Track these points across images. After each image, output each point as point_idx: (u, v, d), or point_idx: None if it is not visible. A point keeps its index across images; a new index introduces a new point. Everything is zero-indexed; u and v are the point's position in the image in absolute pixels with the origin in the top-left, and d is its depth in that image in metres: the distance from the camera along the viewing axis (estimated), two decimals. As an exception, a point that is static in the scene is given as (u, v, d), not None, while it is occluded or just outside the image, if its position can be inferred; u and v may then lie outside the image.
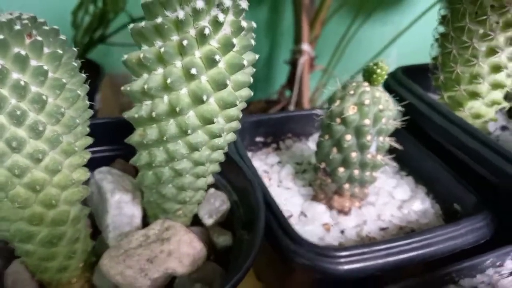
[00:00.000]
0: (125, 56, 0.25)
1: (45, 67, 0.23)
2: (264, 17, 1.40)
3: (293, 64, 1.22)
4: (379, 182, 0.43)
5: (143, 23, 0.24)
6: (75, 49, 0.26)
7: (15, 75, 0.22)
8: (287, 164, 0.44)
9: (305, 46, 1.19)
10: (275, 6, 1.40)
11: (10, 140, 0.23)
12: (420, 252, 0.31)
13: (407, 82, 0.45)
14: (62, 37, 0.25)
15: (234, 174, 0.37)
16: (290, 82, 1.30)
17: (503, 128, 0.47)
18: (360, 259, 0.29)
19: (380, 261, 0.30)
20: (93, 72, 0.73)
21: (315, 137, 0.49)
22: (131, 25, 0.25)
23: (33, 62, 0.23)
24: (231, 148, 0.42)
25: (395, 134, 0.42)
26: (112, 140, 0.38)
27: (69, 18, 0.78)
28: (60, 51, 0.24)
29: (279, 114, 0.49)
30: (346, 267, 0.29)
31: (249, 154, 0.46)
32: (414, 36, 1.11)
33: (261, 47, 1.42)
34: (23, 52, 0.22)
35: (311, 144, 0.48)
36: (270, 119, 0.48)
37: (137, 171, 0.36)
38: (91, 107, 0.27)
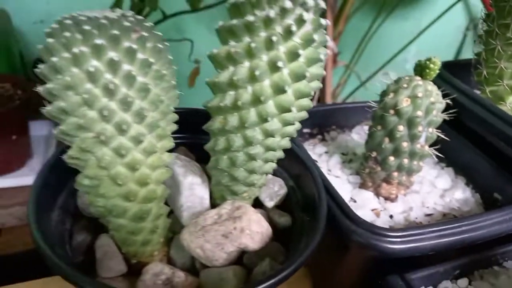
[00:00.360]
0: (214, 51, 0.28)
1: (150, 60, 0.26)
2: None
3: (317, 59, 1.24)
4: (422, 172, 0.45)
5: (234, 21, 0.27)
6: (160, 33, 0.28)
7: (126, 67, 0.25)
8: (334, 154, 0.47)
9: (329, 42, 1.21)
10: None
11: (120, 124, 0.26)
12: (467, 235, 0.34)
13: (450, 77, 0.47)
14: (158, 33, 0.28)
15: (290, 162, 0.39)
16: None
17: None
18: (413, 239, 0.32)
19: (431, 242, 0.32)
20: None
21: (357, 129, 0.52)
22: (220, 23, 0.28)
23: (140, 55, 0.26)
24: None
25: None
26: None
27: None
28: (160, 46, 0.27)
29: (326, 106, 0.52)
30: (400, 246, 0.32)
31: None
32: (433, 34, 1.12)
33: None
34: (134, 46, 0.25)
35: (354, 135, 0.50)
36: (318, 111, 0.51)
37: (197, 158, 0.40)
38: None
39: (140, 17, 0.27)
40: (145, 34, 0.26)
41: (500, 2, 0.42)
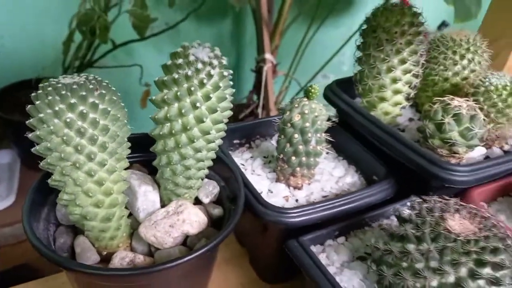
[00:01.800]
0: (153, 97, 0.41)
1: (108, 108, 0.38)
2: (229, 29, 1.56)
3: (258, 71, 1.39)
4: (322, 165, 0.60)
5: (165, 77, 0.39)
6: (114, 88, 0.40)
7: (91, 115, 0.37)
8: (257, 158, 0.60)
9: (267, 55, 1.35)
10: (238, 19, 1.56)
11: (89, 154, 0.37)
12: (345, 207, 0.48)
13: (339, 91, 0.62)
14: (113, 88, 0.39)
15: (221, 168, 0.52)
16: (257, 87, 1.47)
17: (410, 119, 0.66)
18: (306, 213, 0.46)
19: (317, 214, 0.47)
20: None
21: (276, 137, 0.66)
22: (156, 78, 0.40)
23: (100, 106, 0.37)
24: (218, 150, 0.57)
25: (333, 130, 0.60)
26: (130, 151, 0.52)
27: (61, 47, 0.91)
28: (114, 97, 0.39)
29: (250, 122, 0.65)
30: (296, 219, 0.46)
31: (229, 152, 0.62)
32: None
33: (228, 57, 1.57)
34: (96, 101, 0.37)
35: (273, 142, 0.64)
36: (243, 126, 0.64)
37: (149, 171, 0.52)
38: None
39: (99, 78, 0.39)
40: (103, 91, 0.38)
41: (364, 37, 0.57)
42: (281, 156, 0.54)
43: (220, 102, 0.41)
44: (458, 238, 0.36)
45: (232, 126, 0.63)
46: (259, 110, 1.44)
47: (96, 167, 0.39)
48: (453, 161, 0.52)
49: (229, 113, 0.44)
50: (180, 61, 0.38)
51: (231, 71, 0.42)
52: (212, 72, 0.39)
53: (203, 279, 0.51)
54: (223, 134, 0.45)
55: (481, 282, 0.35)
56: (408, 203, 0.40)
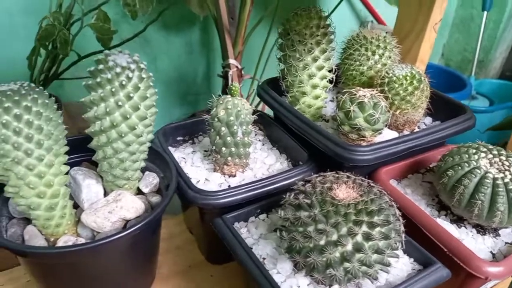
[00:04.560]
0: (82, 99, 0.47)
1: (41, 110, 0.44)
2: (197, 38, 1.63)
3: (225, 76, 1.46)
4: (257, 155, 0.67)
5: (90, 81, 0.46)
6: (46, 93, 0.46)
7: (25, 116, 0.43)
8: (198, 152, 0.67)
9: (231, 61, 1.42)
10: (205, 27, 1.63)
11: (26, 150, 0.44)
12: (267, 188, 0.55)
13: (268, 89, 0.69)
14: (46, 93, 0.46)
15: (160, 162, 0.59)
16: (224, 92, 1.54)
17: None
18: (229, 195, 0.53)
19: (241, 195, 0.53)
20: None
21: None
22: (83, 83, 0.47)
23: (34, 108, 0.44)
24: (158, 146, 0.64)
25: (267, 123, 0.67)
26: (79, 150, 0.58)
27: (25, 63, 0.96)
28: (47, 101, 0.45)
29: (191, 119, 0.71)
30: (222, 200, 0.52)
31: (173, 149, 0.69)
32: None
33: (199, 64, 1.65)
34: (29, 104, 0.43)
35: (214, 137, 0.71)
36: (186, 124, 0.71)
37: (96, 165, 0.58)
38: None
39: (33, 85, 0.45)
40: (35, 96, 0.44)
41: (282, 38, 0.64)
42: (214, 148, 0.60)
43: (142, 100, 0.48)
44: (339, 203, 0.42)
45: (174, 124, 0.69)
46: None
47: (34, 161, 0.45)
48: (363, 144, 0.59)
49: (154, 110, 0.50)
50: (101, 66, 0.45)
51: (150, 74, 0.49)
52: (131, 75, 0.46)
53: (146, 260, 0.57)
54: (151, 129, 0.52)
55: (358, 237, 0.42)
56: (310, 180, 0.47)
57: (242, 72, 1.55)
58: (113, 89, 0.45)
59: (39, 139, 0.44)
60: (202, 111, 1.55)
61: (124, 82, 0.45)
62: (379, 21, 1.74)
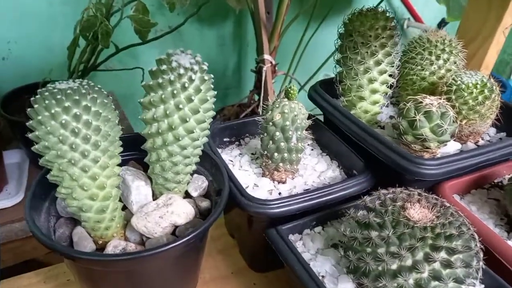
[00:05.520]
0: (141, 100, 0.45)
1: (100, 110, 0.42)
2: (230, 31, 1.60)
3: (258, 72, 1.43)
4: (306, 160, 0.64)
5: (150, 82, 0.44)
6: (105, 91, 0.44)
7: (84, 117, 0.41)
8: (245, 155, 0.64)
9: (266, 56, 1.39)
10: (239, 20, 1.60)
11: (83, 152, 0.42)
12: (322, 199, 0.52)
13: (321, 91, 0.66)
14: (104, 92, 0.44)
15: (210, 164, 0.56)
16: (257, 87, 1.51)
17: (391, 117, 0.69)
18: (284, 205, 0.50)
19: (297, 205, 0.50)
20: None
21: (263, 134, 0.69)
22: (143, 83, 0.44)
23: (93, 108, 0.42)
24: (207, 148, 0.61)
25: (318, 128, 0.64)
26: (126, 149, 0.56)
27: (67, 52, 0.95)
28: (105, 100, 0.43)
29: (239, 120, 0.69)
30: (277, 210, 0.49)
31: (220, 150, 0.66)
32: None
33: (230, 57, 1.62)
34: (88, 104, 0.41)
35: (261, 139, 0.68)
36: (233, 125, 0.68)
37: (144, 167, 0.56)
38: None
39: (91, 83, 0.43)
40: (95, 95, 0.42)
41: (342, 40, 0.61)
42: (265, 152, 0.58)
43: (202, 103, 0.45)
44: (416, 225, 0.39)
45: (222, 125, 0.67)
46: (260, 109, 1.48)
47: (90, 163, 0.43)
48: (426, 156, 0.56)
49: (212, 113, 0.48)
50: (164, 67, 0.43)
51: (211, 76, 0.46)
52: (193, 76, 0.43)
53: (193, 266, 0.55)
54: (207, 132, 0.49)
55: (435, 265, 0.38)
56: (376, 194, 0.44)
57: (276, 68, 1.52)
58: (175, 91, 0.43)
59: (96, 140, 0.42)
60: (233, 105, 1.52)
61: (186, 84, 0.43)
62: (417, 18, 1.68)
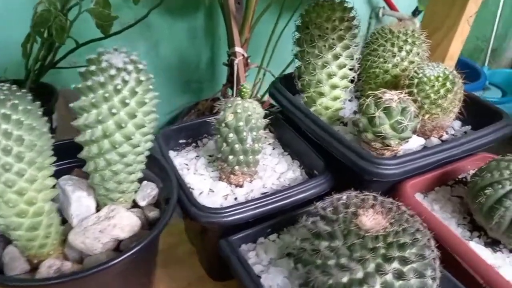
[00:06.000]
0: (71, 104, 0.41)
1: (22, 118, 0.38)
2: (201, 24, 1.55)
3: (230, 65, 1.38)
4: (266, 161, 0.61)
5: (80, 85, 0.39)
6: (30, 95, 0.40)
7: (3, 126, 0.37)
8: (202, 157, 0.61)
9: (238, 49, 1.35)
10: (210, 13, 1.55)
11: (4, 165, 0.38)
12: (278, 204, 0.49)
13: (281, 88, 0.63)
14: (29, 96, 0.39)
15: (159, 170, 0.53)
16: (230, 80, 1.47)
17: (355, 112, 0.67)
18: (236, 213, 0.47)
19: (250, 212, 0.47)
20: (48, 94, 0.85)
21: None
22: (73, 86, 0.40)
23: (14, 116, 0.37)
24: (157, 151, 0.58)
25: (279, 126, 0.61)
26: (70, 156, 0.52)
27: (20, 49, 0.90)
28: (29, 107, 0.39)
29: (196, 120, 0.65)
30: (228, 218, 0.46)
31: (174, 153, 0.62)
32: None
33: (203, 50, 1.57)
34: (7, 112, 0.37)
35: (219, 140, 0.64)
36: (189, 125, 0.64)
37: (88, 175, 0.52)
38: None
39: (14, 87, 0.39)
40: (16, 101, 0.37)
41: (299, 32, 0.57)
42: (220, 155, 0.54)
43: (140, 107, 0.41)
44: (367, 235, 0.36)
45: (177, 126, 0.63)
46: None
47: (14, 177, 0.39)
48: (387, 153, 0.53)
49: (153, 116, 0.44)
50: (93, 67, 0.38)
51: (150, 75, 0.42)
52: (127, 78, 0.39)
53: (144, 279, 0.52)
54: (151, 137, 0.45)
55: (387, 277, 0.36)
56: (329, 200, 0.41)
57: (249, 61, 1.48)
58: (106, 94, 0.39)
59: (19, 152, 0.38)
60: (206, 100, 1.47)
61: (119, 86, 0.39)
62: (391, 6, 1.66)
